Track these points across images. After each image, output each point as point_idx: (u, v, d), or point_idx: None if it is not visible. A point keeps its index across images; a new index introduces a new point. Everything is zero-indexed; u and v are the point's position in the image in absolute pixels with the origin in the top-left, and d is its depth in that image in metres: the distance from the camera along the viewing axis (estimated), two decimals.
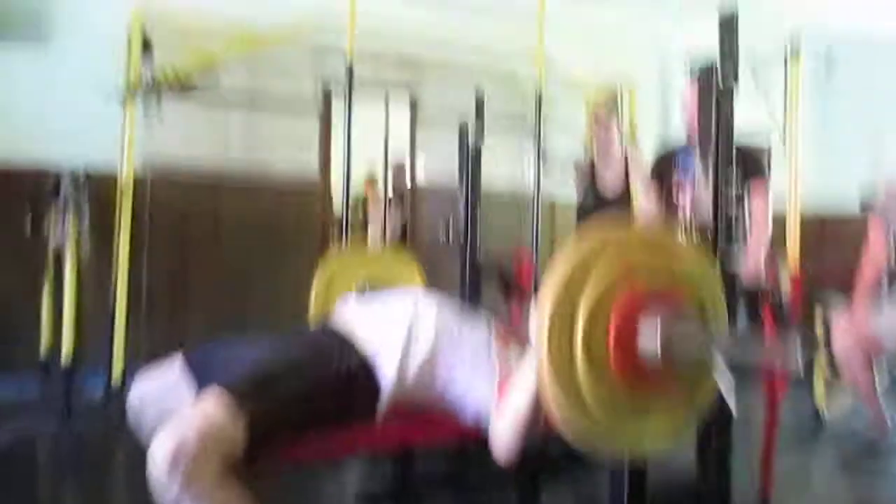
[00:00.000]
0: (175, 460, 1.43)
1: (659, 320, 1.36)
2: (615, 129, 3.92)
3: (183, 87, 3.84)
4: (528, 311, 1.77)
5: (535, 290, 3.64)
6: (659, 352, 1.34)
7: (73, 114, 4.27)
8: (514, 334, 2.06)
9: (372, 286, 2.75)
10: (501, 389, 1.83)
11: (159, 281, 4.48)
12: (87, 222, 3.70)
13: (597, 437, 1.38)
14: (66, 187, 3.65)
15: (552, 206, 5.30)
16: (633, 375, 1.37)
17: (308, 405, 1.70)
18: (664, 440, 1.46)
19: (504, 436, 1.72)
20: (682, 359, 1.37)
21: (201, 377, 1.82)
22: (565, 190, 4.79)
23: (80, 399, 3.74)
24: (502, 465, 1.78)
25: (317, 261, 2.92)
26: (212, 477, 1.47)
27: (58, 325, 3.85)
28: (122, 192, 3.83)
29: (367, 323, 1.94)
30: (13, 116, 4.25)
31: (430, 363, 1.87)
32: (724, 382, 1.51)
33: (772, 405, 2.60)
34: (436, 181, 5.22)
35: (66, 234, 3.66)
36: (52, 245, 3.80)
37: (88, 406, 3.83)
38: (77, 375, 3.73)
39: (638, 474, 1.68)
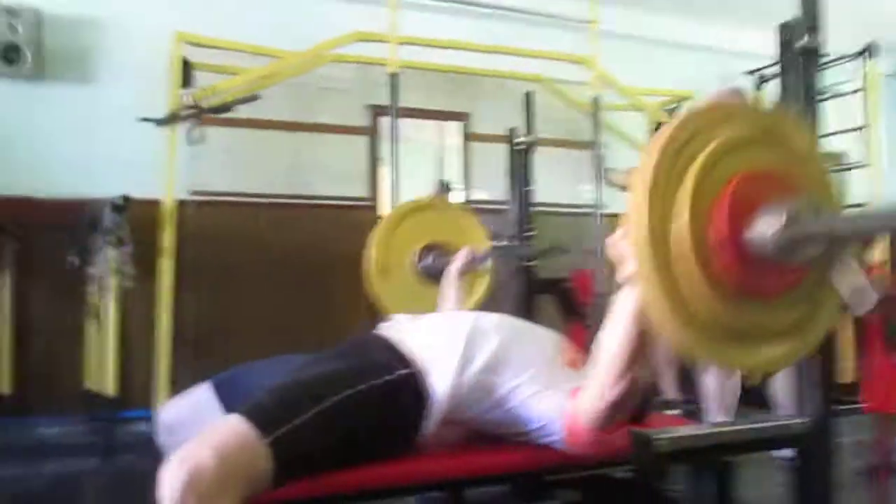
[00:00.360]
0: (188, 488, 1.22)
1: (782, 209, 1.11)
2: None
3: (224, 108, 3.71)
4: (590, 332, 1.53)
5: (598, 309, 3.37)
6: (779, 246, 1.10)
7: (117, 147, 4.25)
8: (582, 356, 1.82)
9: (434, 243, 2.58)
10: (570, 404, 1.59)
11: (204, 311, 4.38)
12: (128, 250, 3.57)
13: (707, 350, 1.15)
14: (106, 215, 3.53)
15: (614, 221, 4.99)
16: (746, 273, 1.13)
17: (343, 422, 1.48)
18: (781, 360, 1.23)
19: (602, 378, 1.47)
20: (806, 257, 1.13)
21: (228, 402, 1.65)
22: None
23: (123, 435, 3.62)
24: (586, 447, 1.58)
25: (364, 284, 2.72)
26: None
27: (102, 359, 3.74)
28: (164, 219, 3.70)
29: (421, 331, 1.73)
30: (58, 153, 4.24)
31: (491, 370, 1.65)
32: (853, 286, 1.23)
33: None
34: (489, 199, 5.00)
35: (107, 264, 3.54)
36: (95, 276, 3.70)
37: (131, 442, 3.68)
38: (120, 411, 3.59)
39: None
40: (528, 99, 3.06)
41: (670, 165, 1.11)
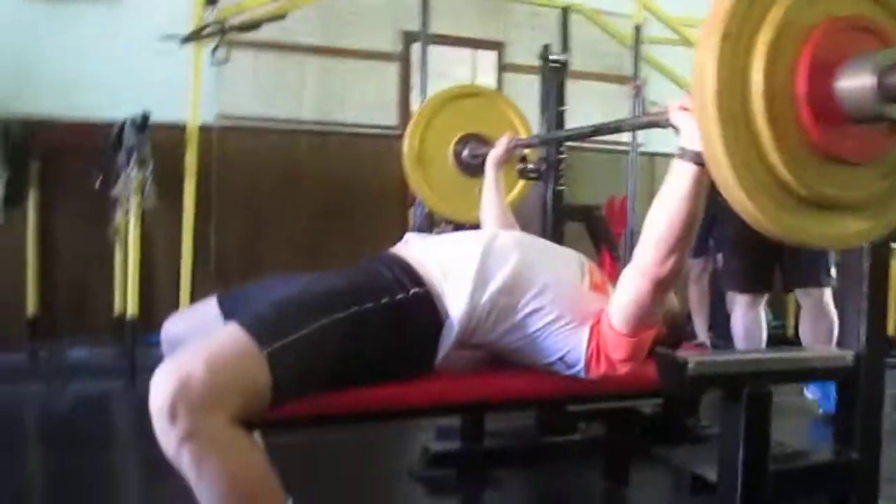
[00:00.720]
0: (178, 397, 1.13)
1: (874, 55, 0.98)
2: None
3: (250, 27, 3.59)
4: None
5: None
6: (872, 97, 0.97)
7: (144, 68, 4.14)
8: (609, 281, 1.71)
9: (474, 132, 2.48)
10: (598, 321, 1.50)
11: (230, 237, 4.36)
12: (150, 172, 3.51)
13: (776, 220, 1.03)
14: (128, 135, 3.46)
15: (652, 159, 4.83)
16: (827, 133, 1.01)
17: (348, 341, 1.38)
18: (857, 236, 1.12)
19: (654, 251, 1.39)
20: None
21: (230, 315, 1.55)
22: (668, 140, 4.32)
23: (148, 358, 3.62)
24: (613, 365, 1.50)
25: (396, 214, 2.62)
26: (223, 423, 1.17)
27: (126, 282, 3.74)
28: (188, 139, 3.62)
29: (435, 249, 1.62)
30: (83, 74, 4.15)
31: (509, 288, 1.54)
32: None
33: None
34: None
35: (129, 185, 3.49)
36: (119, 199, 3.66)
37: (156, 365, 3.68)
38: (143, 334, 3.58)
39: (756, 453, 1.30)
40: (565, 17, 2.89)
41: (745, 12, 0.98)
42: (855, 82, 0.98)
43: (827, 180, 1.03)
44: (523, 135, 2.52)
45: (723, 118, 0.96)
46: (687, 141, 1.30)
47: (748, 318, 3.12)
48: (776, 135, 0.98)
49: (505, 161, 2.27)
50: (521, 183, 2.50)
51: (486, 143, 2.43)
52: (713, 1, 0.99)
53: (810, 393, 3.10)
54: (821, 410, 3.01)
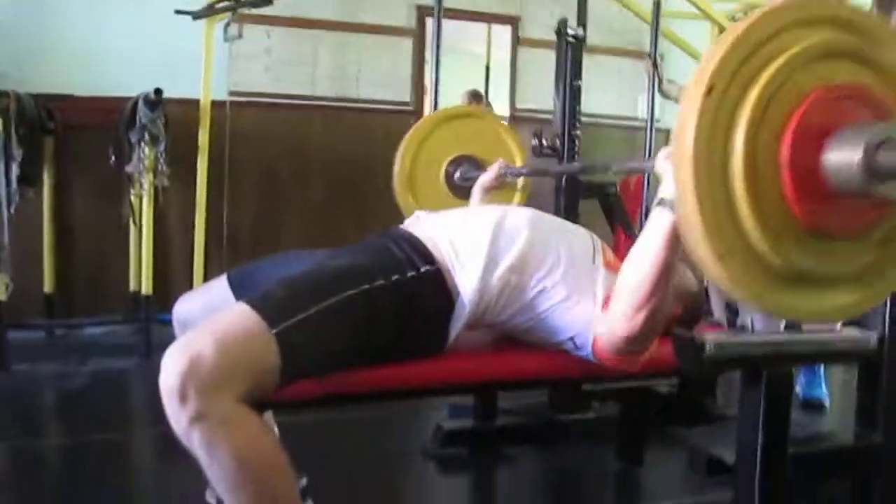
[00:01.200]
0: (188, 376, 1.12)
1: (863, 129, 0.92)
2: None
3: (262, 2, 3.55)
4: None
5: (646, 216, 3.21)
6: (860, 174, 0.91)
7: (160, 45, 4.11)
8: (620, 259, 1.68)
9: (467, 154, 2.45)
10: (607, 303, 1.46)
11: (244, 213, 4.35)
12: (163, 148, 3.49)
13: (759, 295, 0.98)
14: (141, 111, 3.45)
15: (668, 136, 4.76)
16: (813, 209, 0.96)
17: (358, 320, 1.36)
18: (845, 310, 1.06)
19: (626, 302, 1.34)
20: (889, 195, 0.94)
21: (242, 294, 1.53)
22: None
23: (163, 336, 3.63)
24: (613, 358, 1.46)
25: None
26: (233, 403, 1.15)
27: (140, 259, 3.74)
28: (201, 116, 3.60)
29: (446, 227, 1.59)
30: (97, 50, 4.13)
31: (520, 266, 1.51)
32: None
33: None
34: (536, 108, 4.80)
35: (143, 162, 3.47)
36: (133, 176, 3.65)
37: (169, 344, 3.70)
38: (157, 312, 3.59)
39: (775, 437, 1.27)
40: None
41: (735, 69, 0.92)
42: (842, 156, 0.92)
43: (808, 254, 0.97)
44: (518, 158, 2.49)
45: (698, 177, 0.90)
46: (667, 191, 1.27)
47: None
48: (754, 203, 0.92)
49: (495, 187, 2.26)
50: (515, 202, 2.48)
51: (480, 166, 2.41)
52: (705, 54, 0.94)
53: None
54: (799, 397, 2.95)
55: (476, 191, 2.25)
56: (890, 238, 1.04)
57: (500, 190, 2.34)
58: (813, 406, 2.86)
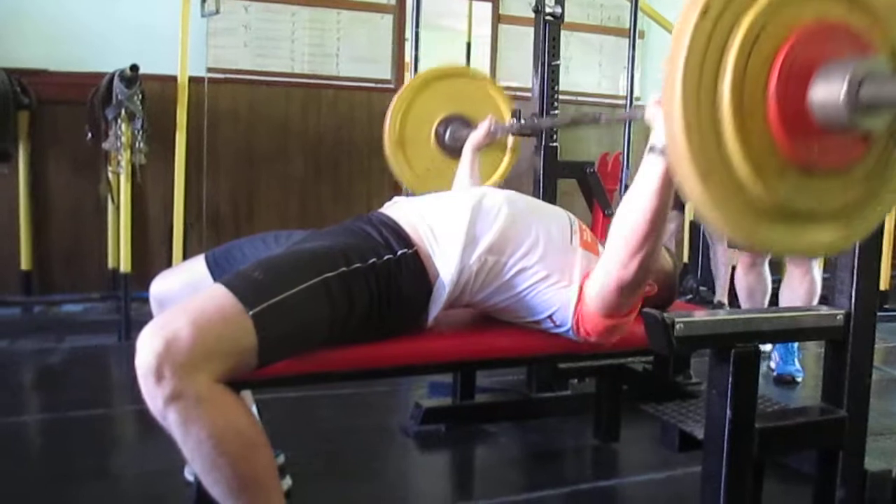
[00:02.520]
0: (164, 357, 1.13)
1: (848, 64, 0.94)
2: None
3: None
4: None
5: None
6: (843, 108, 0.93)
7: (133, 19, 4.11)
8: (598, 238, 1.71)
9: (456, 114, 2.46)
10: (582, 288, 1.49)
11: (223, 191, 4.34)
12: (140, 126, 3.46)
13: (745, 230, 1.00)
14: (117, 87, 3.41)
15: None
16: (799, 145, 0.98)
17: (335, 302, 1.37)
18: (826, 246, 1.10)
19: (620, 249, 1.37)
20: (872, 129, 0.98)
21: (220, 275, 1.55)
22: None
23: (142, 314, 3.62)
24: (598, 334, 1.51)
25: (389, 168, 2.59)
26: (208, 383, 1.16)
27: (118, 237, 3.72)
28: (178, 93, 3.56)
29: (423, 210, 1.61)
30: (72, 25, 4.08)
31: (498, 247, 1.54)
32: None
33: None
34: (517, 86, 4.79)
35: (120, 139, 3.44)
36: (110, 153, 3.62)
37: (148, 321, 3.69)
38: (135, 289, 3.58)
39: (742, 412, 1.31)
40: None
41: (721, 10, 0.93)
42: (827, 90, 0.94)
43: (790, 187, 0.99)
44: (507, 115, 2.49)
45: (685, 121, 0.92)
46: (658, 138, 1.28)
47: (750, 276, 3.10)
48: (740, 129, 0.94)
49: (485, 144, 2.26)
50: (506, 163, 2.48)
51: (469, 124, 2.41)
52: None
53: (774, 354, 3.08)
54: (774, 373, 3.00)
55: (467, 149, 2.25)
56: (872, 175, 1.07)
57: (490, 149, 2.34)
58: (786, 381, 2.91)
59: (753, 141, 0.96)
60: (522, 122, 2.27)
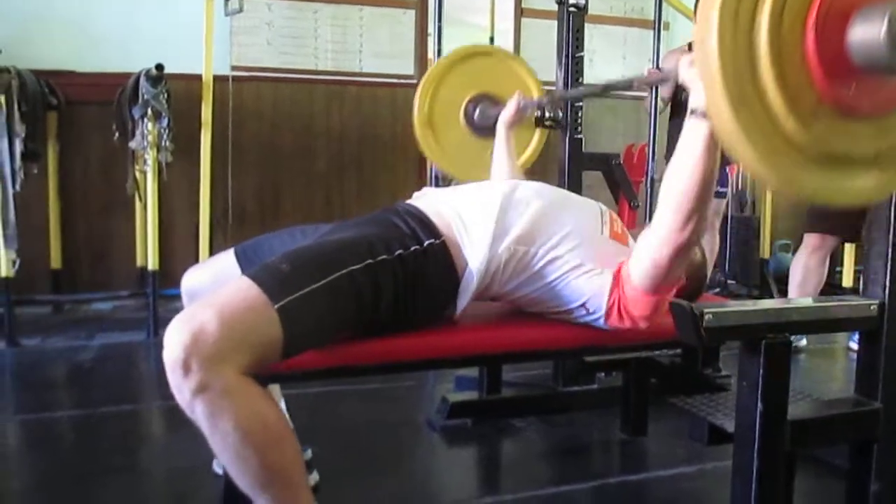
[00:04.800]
0: (191, 350, 1.14)
1: (887, 4, 0.93)
2: None
3: None
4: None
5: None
6: (885, 46, 0.91)
7: (159, 19, 4.16)
8: (627, 230, 1.69)
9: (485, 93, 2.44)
10: (619, 272, 1.48)
11: (248, 189, 4.37)
12: (166, 124, 3.49)
13: (789, 179, 0.99)
14: (143, 87, 3.44)
15: None
16: (840, 87, 0.97)
17: (362, 294, 1.37)
18: (872, 191, 1.08)
19: (669, 221, 1.36)
20: None
21: (248, 268, 1.54)
22: None
23: (169, 311, 3.66)
24: (634, 318, 1.50)
25: (414, 164, 2.58)
26: (235, 376, 1.17)
27: (145, 235, 3.76)
28: (203, 91, 3.58)
29: (453, 199, 1.60)
30: (99, 25, 4.14)
31: (528, 237, 1.53)
32: None
33: None
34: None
35: (146, 138, 3.47)
36: (136, 152, 3.65)
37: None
38: (162, 287, 3.61)
39: (774, 405, 1.28)
40: None
41: None
42: (865, 33, 0.93)
43: (840, 135, 0.98)
44: (535, 94, 2.48)
45: (727, 79, 0.91)
46: (697, 99, 1.26)
47: (812, 259, 3.01)
48: (785, 92, 0.93)
49: (516, 121, 2.24)
50: (536, 141, 2.46)
51: (498, 103, 2.39)
52: None
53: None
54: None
55: (500, 128, 2.22)
56: None
57: (521, 125, 2.33)
58: None
59: (789, 75, 0.95)
60: (548, 114, 2.24)
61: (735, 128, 0.93)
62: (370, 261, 1.39)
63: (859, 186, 1.05)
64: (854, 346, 3.04)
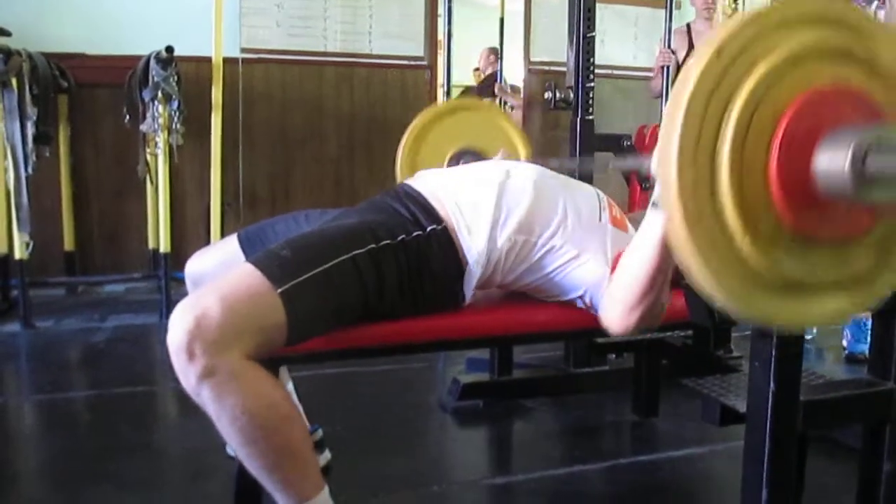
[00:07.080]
0: (195, 335, 1.14)
1: (855, 132, 0.88)
2: None
3: None
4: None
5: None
6: (848, 179, 0.87)
7: (170, 3, 4.17)
8: (631, 219, 1.67)
9: (468, 147, 2.41)
10: (616, 263, 1.46)
11: (258, 169, 4.37)
12: (176, 107, 3.49)
13: (744, 302, 0.93)
14: (153, 69, 3.44)
15: None
16: (802, 214, 0.92)
17: (365, 279, 1.37)
18: (836, 315, 1.02)
19: (620, 300, 1.35)
20: (881, 200, 0.90)
21: (252, 253, 1.54)
22: None
23: (180, 293, 3.67)
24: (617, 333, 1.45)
25: None
26: (239, 359, 1.17)
27: (157, 217, 3.78)
28: (213, 73, 3.58)
29: (450, 185, 1.58)
30: (108, 8, 4.14)
31: (527, 226, 1.51)
32: None
33: None
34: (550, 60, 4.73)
35: (157, 121, 3.48)
36: (147, 135, 3.66)
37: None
38: (174, 270, 3.62)
39: (786, 386, 1.28)
40: None
41: (723, 72, 0.87)
42: (831, 162, 0.88)
43: (798, 262, 0.94)
44: (521, 150, 2.46)
45: (680, 188, 0.86)
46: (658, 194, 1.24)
47: None
48: (743, 212, 0.89)
49: None
50: None
51: (482, 158, 2.37)
52: (697, 53, 0.89)
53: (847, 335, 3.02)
54: (846, 351, 2.96)
55: None
56: (882, 243, 1.00)
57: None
58: (857, 360, 2.86)
59: (756, 213, 0.90)
60: (557, 95, 2.23)
61: (688, 240, 0.88)
62: (373, 245, 1.39)
63: (828, 309, 1.00)
64: (845, 343, 3.03)
